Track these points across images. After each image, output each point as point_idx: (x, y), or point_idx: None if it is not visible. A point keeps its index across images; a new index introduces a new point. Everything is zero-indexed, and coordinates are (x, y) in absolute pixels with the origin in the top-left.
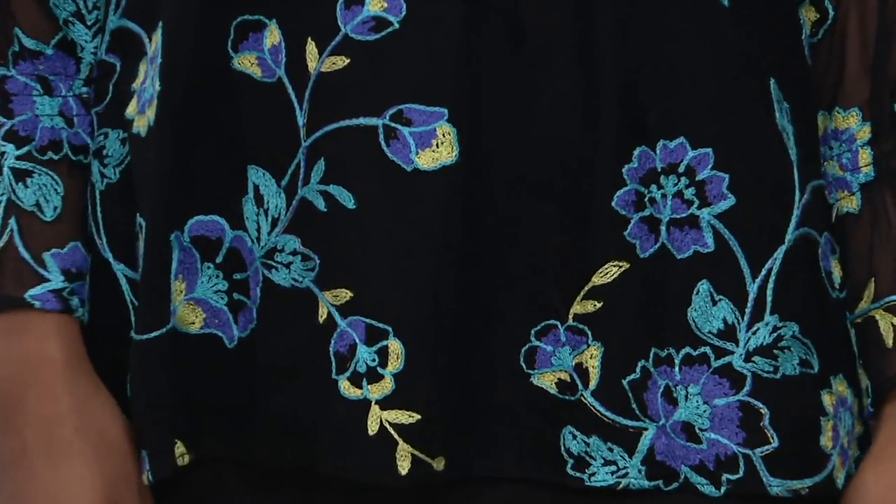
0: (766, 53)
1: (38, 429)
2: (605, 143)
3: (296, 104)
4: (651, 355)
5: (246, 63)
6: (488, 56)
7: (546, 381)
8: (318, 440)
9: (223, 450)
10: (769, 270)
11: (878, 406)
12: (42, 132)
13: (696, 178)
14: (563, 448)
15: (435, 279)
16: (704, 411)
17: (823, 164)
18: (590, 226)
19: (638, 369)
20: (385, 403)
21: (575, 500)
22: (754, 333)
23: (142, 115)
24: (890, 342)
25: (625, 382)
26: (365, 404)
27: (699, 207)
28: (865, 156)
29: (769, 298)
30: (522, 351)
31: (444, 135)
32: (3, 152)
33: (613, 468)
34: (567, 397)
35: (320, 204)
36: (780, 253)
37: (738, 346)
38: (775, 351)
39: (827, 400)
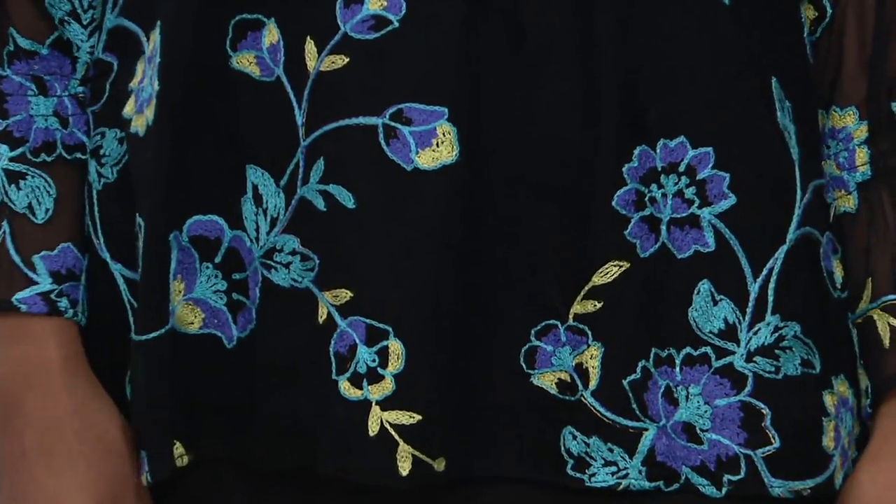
0: (767, 52)
1: (37, 431)
2: (606, 143)
3: (294, 103)
4: (651, 355)
5: (244, 62)
6: (488, 55)
7: (546, 381)
8: (318, 441)
9: (222, 450)
10: (770, 270)
11: (876, 406)
12: (36, 133)
13: (697, 178)
14: (563, 448)
15: (435, 279)
16: (705, 412)
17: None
18: (590, 225)
19: (638, 369)
20: (386, 404)
21: (575, 500)
22: (755, 333)
23: (140, 115)
24: (887, 342)
25: (625, 383)
26: (365, 405)
27: (700, 207)
28: (862, 155)
29: (770, 298)
30: (522, 351)
31: (444, 134)
32: None
33: (614, 469)
34: (567, 397)
35: (320, 203)
36: (781, 252)
37: (739, 346)
38: (777, 351)
39: (829, 400)
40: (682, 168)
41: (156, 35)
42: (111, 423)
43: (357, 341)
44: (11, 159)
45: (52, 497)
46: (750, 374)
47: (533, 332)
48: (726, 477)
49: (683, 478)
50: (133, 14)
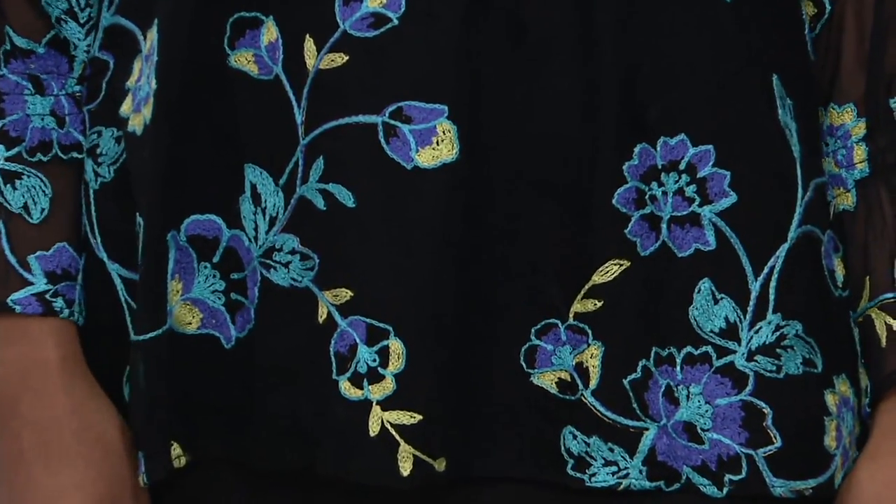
0: (767, 49)
1: (35, 432)
2: (606, 140)
3: (294, 102)
4: (652, 354)
5: (242, 60)
6: (488, 52)
7: (546, 380)
8: (318, 441)
9: (220, 451)
10: (772, 268)
11: (875, 404)
12: (32, 133)
13: (698, 176)
14: (563, 448)
15: (435, 278)
16: (706, 411)
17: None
18: (590, 223)
19: (639, 369)
20: (386, 404)
21: (575, 500)
22: (757, 332)
23: (137, 114)
24: (884, 341)
25: (626, 382)
26: (366, 405)
27: (700, 205)
28: (860, 152)
29: (772, 297)
30: (522, 350)
31: (444, 132)
32: None
33: (614, 468)
34: (567, 397)
35: (319, 203)
36: (782, 251)
37: (740, 345)
38: (778, 350)
39: (830, 400)
40: (682, 166)
41: (153, 33)
42: (109, 424)
43: (357, 341)
44: (7, 159)
45: (51, 497)
46: (751, 373)
47: (533, 330)
48: (727, 477)
49: (684, 478)
50: (129, 12)
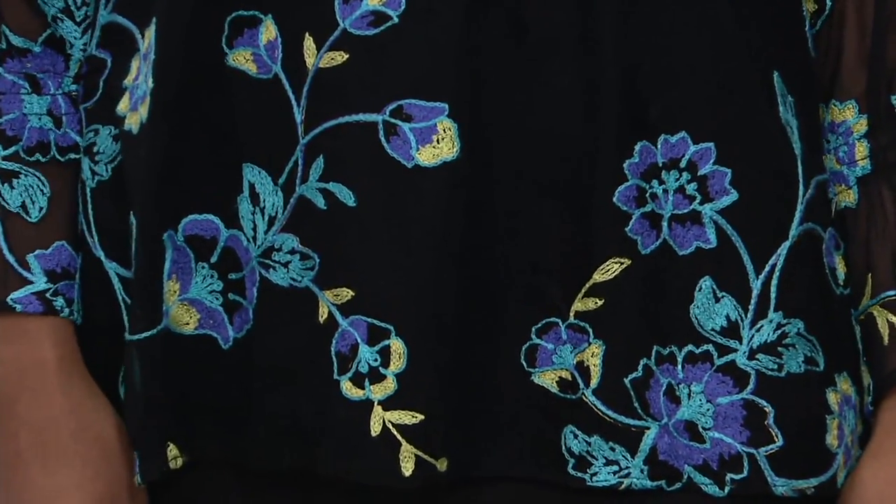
0: (768, 46)
1: (32, 432)
2: (606, 138)
3: (293, 101)
4: (653, 353)
5: (241, 59)
6: (489, 50)
7: (547, 379)
8: (318, 441)
9: (218, 452)
10: (773, 266)
11: (877, 403)
12: (30, 132)
13: (698, 173)
14: (564, 447)
15: (436, 276)
16: (707, 410)
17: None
18: (591, 222)
19: (640, 367)
20: (388, 404)
21: (576, 499)
22: (758, 330)
23: (134, 112)
24: (886, 339)
25: (626, 381)
26: (367, 405)
27: (701, 203)
28: (862, 149)
29: (773, 295)
30: (523, 349)
31: (444, 130)
32: None
33: (615, 468)
34: (568, 396)
35: (319, 202)
36: (783, 249)
37: (741, 343)
38: (780, 348)
39: (832, 398)
40: (683, 164)
41: (151, 32)
42: (107, 423)
43: (358, 340)
44: (4, 158)
45: (49, 497)
46: (752, 371)
47: (534, 329)
48: (729, 476)
49: (686, 477)
50: (127, 10)
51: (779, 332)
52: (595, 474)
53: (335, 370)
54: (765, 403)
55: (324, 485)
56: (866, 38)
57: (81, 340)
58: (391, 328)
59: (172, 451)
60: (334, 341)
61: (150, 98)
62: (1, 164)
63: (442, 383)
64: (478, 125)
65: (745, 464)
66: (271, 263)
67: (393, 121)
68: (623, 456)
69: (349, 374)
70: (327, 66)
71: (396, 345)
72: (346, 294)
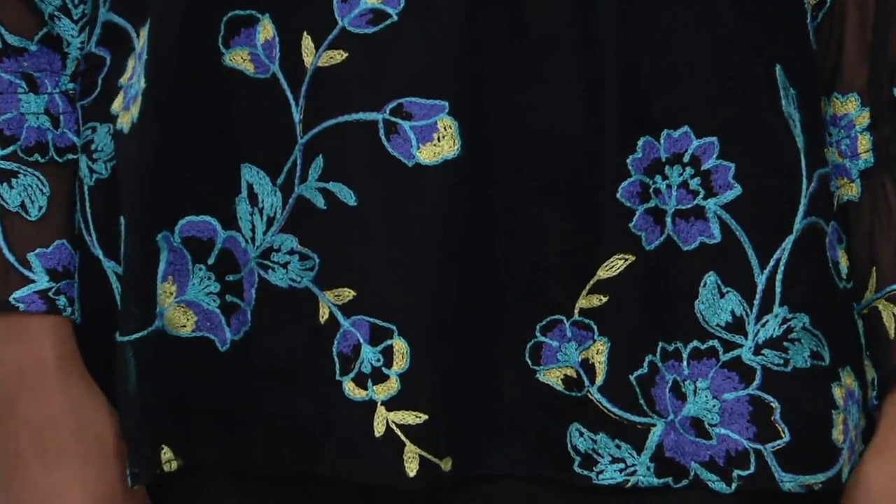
0: (770, 39)
1: (32, 432)
2: (609, 135)
3: (291, 100)
4: (658, 350)
5: (237, 59)
6: (489, 48)
7: (552, 377)
8: (320, 442)
9: (215, 455)
10: (777, 261)
11: (882, 397)
12: (28, 132)
13: (702, 168)
14: (569, 445)
15: (438, 275)
16: (714, 406)
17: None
18: (594, 218)
19: (645, 364)
20: (391, 404)
21: (583, 498)
22: (763, 326)
23: (126, 112)
24: (892, 333)
25: (632, 378)
26: (370, 405)
27: (705, 198)
28: (864, 142)
29: (778, 290)
30: (528, 347)
31: (445, 128)
32: None
33: (622, 466)
34: (573, 394)
35: (319, 202)
36: (788, 243)
37: (747, 338)
38: (785, 343)
39: (837, 393)
40: (686, 158)
41: (145, 31)
42: (107, 422)
43: (361, 341)
44: (3, 157)
45: (50, 497)
46: (758, 367)
47: (538, 327)
48: (736, 472)
49: (692, 474)
50: (122, 10)
51: (784, 326)
52: (601, 472)
53: (337, 371)
54: (771, 399)
55: (323, 487)
56: (867, 30)
57: (79, 338)
58: (394, 328)
59: (167, 453)
60: (336, 342)
61: (141, 98)
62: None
63: (445, 383)
64: (478, 123)
65: (752, 460)
66: (270, 264)
67: (393, 119)
68: (629, 453)
69: (352, 375)
70: (326, 64)
71: (399, 344)
72: (348, 294)
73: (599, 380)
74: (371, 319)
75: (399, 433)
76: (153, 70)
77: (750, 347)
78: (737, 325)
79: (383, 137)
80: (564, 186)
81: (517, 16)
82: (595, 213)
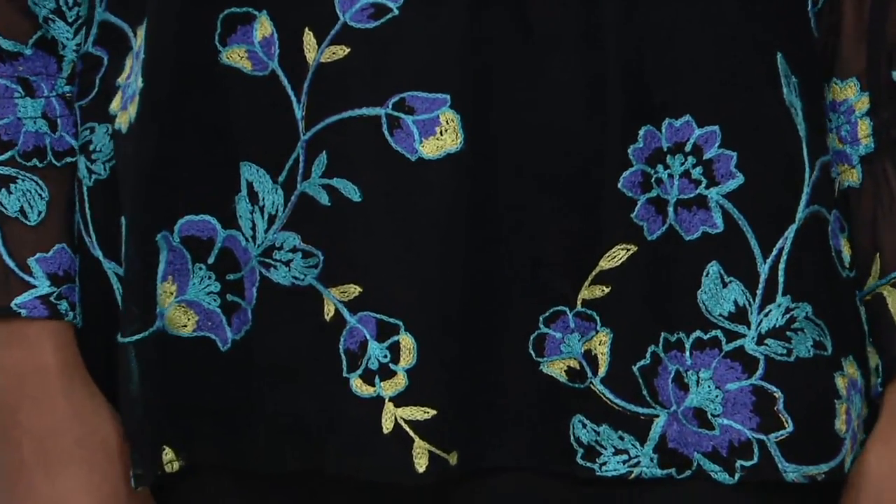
0: (772, 27)
1: (35, 440)
2: (611, 129)
3: (292, 97)
4: (661, 340)
5: (235, 57)
6: (491, 43)
7: (555, 368)
8: (325, 440)
9: (216, 455)
10: (780, 250)
11: (885, 384)
12: (26, 137)
13: (704, 157)
14: (572, 437)
15: (442, 269)
16: (717, 396)
17: None
18: (596, 209)
19: (648, 355)
20: (399, 400)
21: (586, 489)
22: (766, 315)
23: (124, 112)
24: None
25: (635, 368)
26: (378, 402)
27: (707, 187)
28: (864, 127)
29: (781, 279)
30: (531, 338)
31: (447, 122)
32: None
33: (625, 457)
34: (576, 385)
35: (323, 198)
36: (790, 232)
37: (749, 328)
38: (788, 333)
39: (840, 382)
40: (688, 148)
41: (142, 31)
42: (110, 426)
43: (368, 337)
44: (1, 163)
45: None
46: (761, 356)
47: (541, 319)
48: (739, 463)
49: (695, 464)
50: (119, 10)
51: (787, 316)
52: (604, 464)
53: (344, 368)
54: (774, 389)
55: (326, 486)
56: (865, 14)
57: (80, 340)
58: (400, 323)
59: (168, 454)
60: (342, 339)
61: (139, 98)
62: None
63: (451, 377)
64: (481, 118)
65: (756, 450)
66: (272, 262)
67: (396, 114)
68: (632, 444)
69: (359, 372)
70: (329, 60)
71: (406, 340)
72: (354, 290)
73: (602, 371)
74: (377, 315)
75: (408, 429)
76: (150, 70)
77: (753, 337)
78: (739, 315)
79: (386, 132)
80: (567, 183)
81: (521, 12)
82: (597, 204)
